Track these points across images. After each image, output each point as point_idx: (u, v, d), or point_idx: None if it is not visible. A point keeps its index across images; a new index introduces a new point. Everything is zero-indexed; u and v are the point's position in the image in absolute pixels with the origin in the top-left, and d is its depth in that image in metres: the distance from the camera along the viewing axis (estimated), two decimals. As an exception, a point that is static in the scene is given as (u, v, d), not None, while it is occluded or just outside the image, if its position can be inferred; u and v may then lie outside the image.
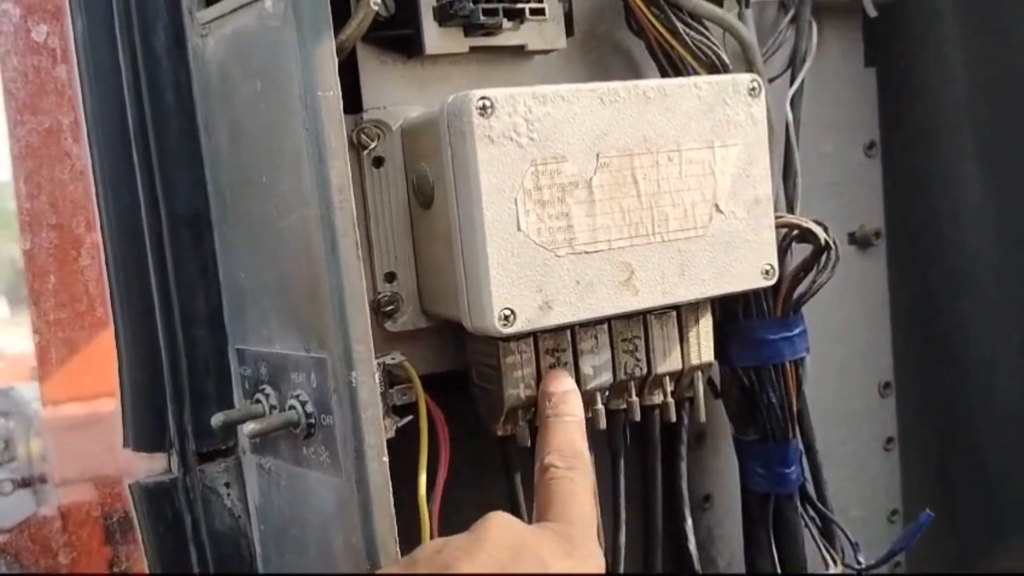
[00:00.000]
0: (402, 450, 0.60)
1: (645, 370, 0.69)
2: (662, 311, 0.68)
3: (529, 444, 0.66)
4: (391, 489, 0.56)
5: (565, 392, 0.63)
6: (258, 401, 0.63)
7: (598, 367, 0.67)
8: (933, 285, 0.93)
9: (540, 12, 0.67)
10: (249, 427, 0.59)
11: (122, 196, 0.65)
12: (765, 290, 0.72)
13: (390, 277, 0.67)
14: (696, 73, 0.70)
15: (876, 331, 0.95)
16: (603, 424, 0.68)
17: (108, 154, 0.65)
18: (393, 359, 0.63)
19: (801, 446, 0.78)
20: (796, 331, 0.75)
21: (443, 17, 0.65)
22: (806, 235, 0.72)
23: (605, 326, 0.67)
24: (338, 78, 0.54)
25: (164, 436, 0.66)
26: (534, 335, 0.64)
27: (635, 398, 0.69)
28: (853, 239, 0.93)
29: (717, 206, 0.65)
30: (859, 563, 0.80)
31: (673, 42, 0.71)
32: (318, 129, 0.54)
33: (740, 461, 0.79)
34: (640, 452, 0.76)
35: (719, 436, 0.86)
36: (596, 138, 0.61)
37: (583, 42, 0.75)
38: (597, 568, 0.55)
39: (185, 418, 0.65)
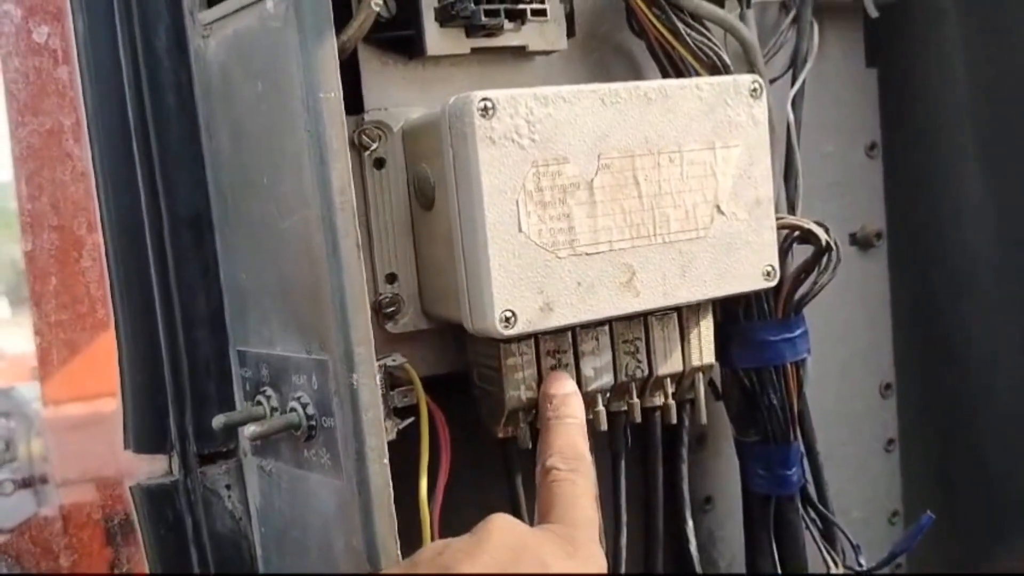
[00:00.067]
0: (403, 452, 0.60)
1: (646, 372, 0.68)
2: (663, 312, 0.68)
3: (530, 446, 0.66)
4: (392, 491, 0.56)
5: (566, 394, 0.63)
6: (259, 403, 0.63)
7: (599, 369, 0.67)
8: (934, 286, 0.93)
9: (541, 13, 0.67)
10: (250, 429, 0.59)
11: (123, 197, 0.65)
12: (766, 291, 0.71)
13: (391, 278, 0.67)
14: (697, 74, 0.70)
15: (877, 332, 0.95)
16: (604, 426, 0.68)
17: (109, 155, 0.65)
18: (394, 361, 0.63)
19: (802, 447, 0.78)
20: (797, 332, 0.74)
21: (444, 18, 0.65)
22: (807, 236, 0.72)
23: (606, 327, 0.67)
24: (340, 79, 0.54)
25: (165, 438, 0.66)
26: (535, 336, 0.64)
27: (636, 400, 0.69)
28: (854, 240, 0.93)
29: (718, 207, 0.65)
30: (860, 565, 0.80)
31: (674, 43, 0.71)
32: (319, 131, 0.54)
33: (741, 463, 0.79)
34: (641, 454, 0.76)
35: (720, 438, 0.86)
36: (597, 139, 0.61)
37: (584, 43, 0.75)
38: (599, 570, 0.55)
39: (186, 420, 0.65)
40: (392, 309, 0.66)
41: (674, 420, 0.72)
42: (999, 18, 0.84)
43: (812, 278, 0.73)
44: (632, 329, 0.68)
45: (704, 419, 0.73)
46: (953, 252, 0.91)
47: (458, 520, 0.58)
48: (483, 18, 0.64)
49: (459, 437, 0.65)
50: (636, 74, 0.77)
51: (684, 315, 0.69)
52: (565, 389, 0.64)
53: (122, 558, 0.77)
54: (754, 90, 0.66)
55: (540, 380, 0.65)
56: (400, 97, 0.67)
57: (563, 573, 0.52)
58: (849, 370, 0.94)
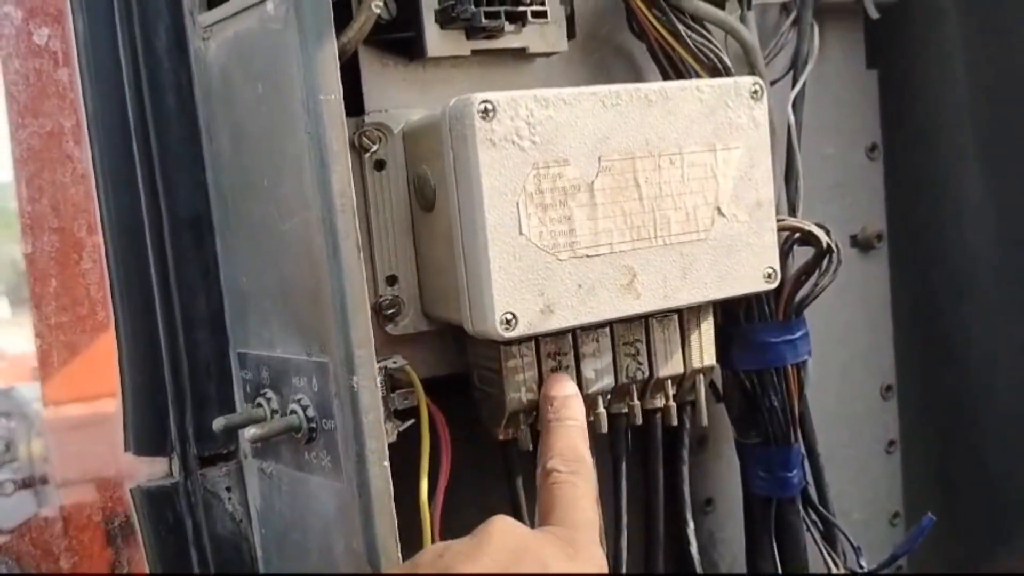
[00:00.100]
0: (404, 454, 0.60)
1: (647, 374, 0.68)
2: (664, 314, 0.68)
3: (531, 448, 0.66)
4: (392, 493, 0.56)
5: (567, 396, 0.63)
6: (259, 405, 0.63)
7: (600, 371, 0.67)
8: (935, 287, 0.93)
9: (542, 15, 0.67)
10: (250, 432, 0.59)
11: (123, 199, 0.65)
12: (767, 293, 0.71)
13: (391, 280, 0.67)
14: (698, 75, 0.70)
15: (878, 334, 0.95)
16: (605, 428, 0.68)
17: (109, 157, 0.65)
18: (395, 363, 0.63)
19: (803, 449, 0.78)
20: (798, 334, 0.74)
21: (445, 20, 0.65)
22: (808, 238, 0.72)
23: (607, 329, 0.67)
24: (340, 82, 0.54)
25: (165, 440, 0.66)
26: (536, 338, 0.64)
27: (637, 402, 0.69)
28: (855, 242, 0.93)
29: (719, 209, 0.65)
30: (861, 567, 0.80)
31: (675, 44, 0.71)
32: (320, 133, 0.54)
33: (742, 465, 0.79)
34: (642, 456, 0.76)
35: (721, 440, 0.86)
36: (598, 141, 0.61)
37: (585, 44, 0.75)
38: (600, 572, 0.55)
39: (186, 422, 0.65)
40: (392, 311, 0.66)
41: (675, 422, 0.72)
42: (999, 19, 0.84)
43: (813, 280, 0.73)
44: (633, 331, 0.68)
45: (705, 421, 0.73)
46: (954, 253, 0.91)
47: (459, 522, 0.58)
48: (483, 20, 0.64)
49: (459, 439, 0.65)
50: (637, 76, 0.77)
51: (685, 317, 0.69)
52: (566, 391, 0.64)
53: (123, 560, 0.77)
54: (755, 92, 0.66)
55: (541, 382, 0.65)
56: (400, 99, 0.67)
57: (564, 575, 0.52)
58: (850, 372, 0.94)
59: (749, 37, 0.73)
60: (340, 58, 0.55)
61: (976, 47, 0.86)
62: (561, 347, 0.65)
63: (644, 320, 0.68)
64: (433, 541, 0.61)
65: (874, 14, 0.87)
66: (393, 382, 0.63)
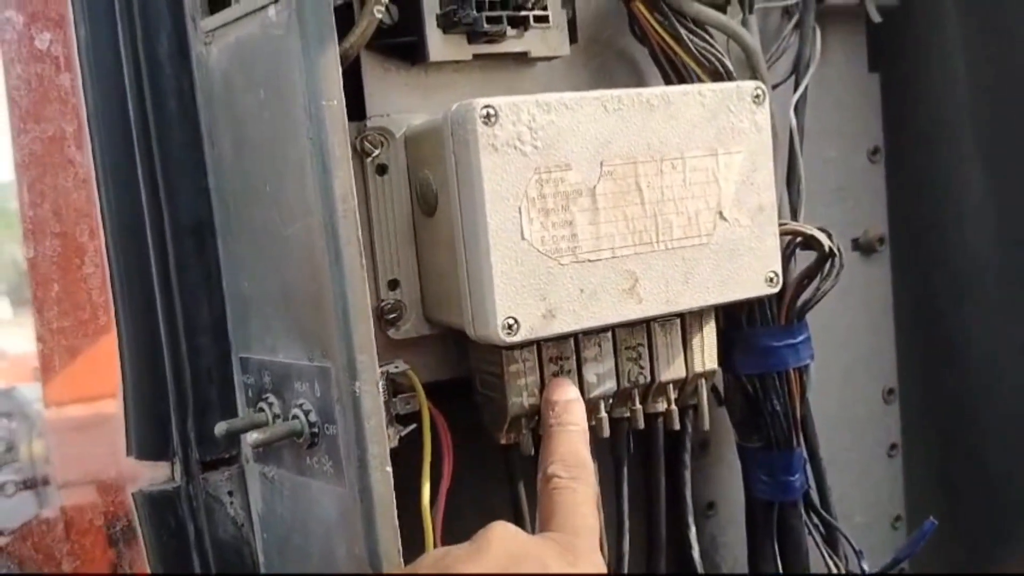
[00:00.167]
0: (405, 458, 0.60)
1: (649, 378, 0.68)
2: (666, 319, 0.68)
3: (533, 452, 0.66)
4: (394, 498, 0.56)
5: (568, 401, 0.63)
6: (261, 410, 0.63)
7: (602, 375, 0.67)
8: (937, 291, 0.93)
9: (544, 19, 0.67)
10: (252, 436, 0.59)
11: (125, 204, 0.65)
12: (769, 297, 0.71)
13: (393, 284, 0.66)
14: (700, 79, 0.70)
15: (880, 337, 0.95)
16: (607, 432, 0.68)
17: (111, 162, 0.65)
18: (396, 367, 0.63)
19: (805, 453, 0.78)
20: (800, 338, 0.74)
21: (447, 24, 0.65)
22: (810, 242, 0.72)
23: (609, 334, 0.67)
24: (342, 87, 0.54)
25: (167, 444, 0.66)
26: (537, 343, 0.64)
27: (639, 406, 0.69)
28: (857, 245, 0.93)
29: (721, 214, 0.65)
30: (863, 570, 0.79)
31: (677, 49, 0.71)
32: (322, 138, 0.54)
33: (744, 469, 0.79)
34: (644, 460, 0.76)
35: (723, 444, 0.86)
36: (600, 146, 0.61)
37: (587, 49, 0.75)
38: (600, 578, 0.55)
39: (188, 426, 0.65)
40: (394, 315, 0.66)
41: (677, 426, 0.72)
42: (1000, 22, 0.84)
43: (815, 284, 0.73)
44: (635, 335, 0.68)
45: (707, 425, 0.73)
46: (955, 256, 0.91)
47: (460, 527, 0.58)
48: (485, 25, 0.64)
49: (461, 443, 0.65)
50: (638, 80, 0.77)
51: (687, 321, 0.69)
52: (567, 396, 0.64)
53: (124, 564, 0.77)
54: (757, 96, 0.66)
55: (542, 386, 0.65)
56: (402, 103, 0.67)
57: (564, 580, 0.52)
58: (852, 375, 0.94)
59: (751, 41, 0.73)
60: (342, 63, 0.55)
61: (977, 50, 0.86)
62: (563, 351, 0.65)
63: (646, 324, 0.67)
64: (435, 546, 0.61)
65: (876, 17, 0.87)
66: (395, 386, 0.63)
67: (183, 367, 0.65)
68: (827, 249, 0.71)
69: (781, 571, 0.79)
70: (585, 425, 0.63)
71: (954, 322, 0.92)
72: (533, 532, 0.57)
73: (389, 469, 0.56)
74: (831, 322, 0.87)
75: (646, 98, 0.62)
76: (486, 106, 0.57)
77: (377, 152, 0.65)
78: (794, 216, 0.78)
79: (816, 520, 0.80)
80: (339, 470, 0.58)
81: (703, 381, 0.71)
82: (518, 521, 0.69)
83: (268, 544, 0.67)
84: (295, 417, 0.60)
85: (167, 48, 0.63)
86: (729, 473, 0.86)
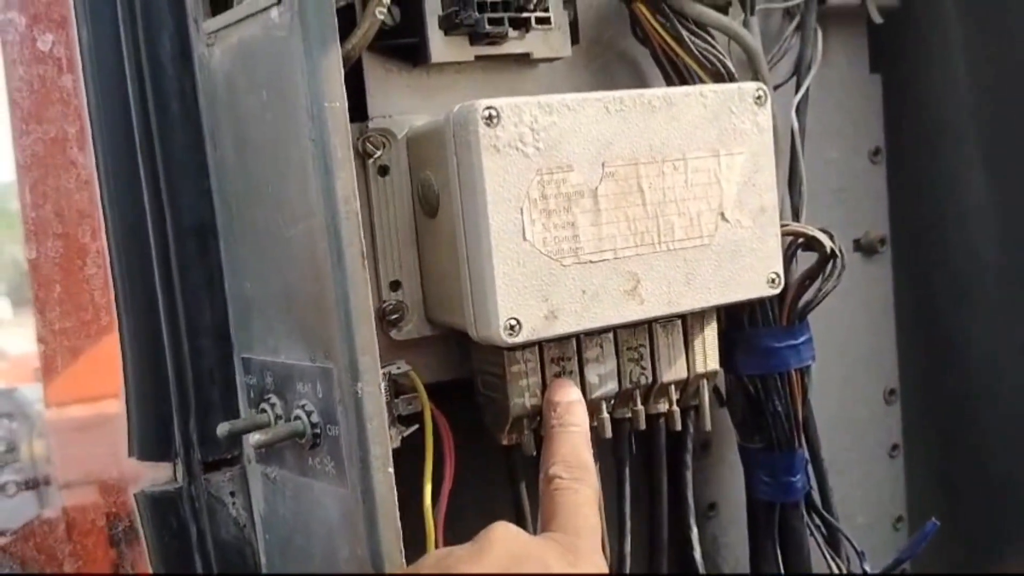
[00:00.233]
0: (407, 459, 0.60)
1: (650, 379, 0.68)
2: (667, 320, 0.68)
3: (534, 453, 0.66)
4: (396, 499, 0.56)
5: (570, 402, 0.63)
6: (263, 411, 0.63)
7: (603, 376, 0.67)
8: (938, 291, 0.93)
9: (545, 21, 0.67)
10: (254, 437, 0.59)
11: (128, 205, 0.65)
12: (770, 298, 0.71)
13: (395, 286, 0.67)
14: (701, 81, 0.70)
15: (881, 338, 0.95)
16: (608, 433, 0.68)
17: (114, 163, 0.65)
18: (399, 368, 0.63)
19: (806, 454, 0.78)
20: (802, 339, 0.74)
21: (448, 26, 0.65)
22: (811, 243, 0.72)
23: (610, 335, 0.67)
24: (344, 89, 0.54)
25: (169, 445, 0.66)
26: (539, 344, 0.64)
27: (640, 407, 0.69)
28: (858, 246, 0.93)
29: (723, 215, 0.65)
30: (864, 571, 0.80)
31: (678, 50, 0.71)
32: (324, 140, 0.54)
33: (745, 469, 0.79)
34: (645, 461, 0.76)
35: (724, 444, 0.86)
36: (602, 147, 0.61)
37: (588, 50, 0.75)
38: (602, 579, 0.55)
39: (190, 427, 0.65)
40: (396, 316, 0.66)
41: (678, 427, 0.72)
42: (1001, 23, 0.84)
43: (816, 285, 0.73)
44: (636, 336, 0.68)
45: (708, 426, 0.73)
46: (957, 257, 0.91)
47: (462, 527, 0.58)
48: (487, 26, 0.64)
49: (463, 444, 0.65)
50: (640, 81, 0.77)
51: (689, 322, 0.69)
52: (569, 397, 0.64)
53: (126, 565, 0.77)
54: (758, 97, 0.66)
55: (544, 387, 0.65)
56: (404, 104, 0.67)
57: (565, 581, 0.52)
58: (853, 376, 0.94)
59: (753, 42, 0.73)
60: (344, 64, 0.55)
61: (978, 51, 0.86)
62: (565, 352, 0.65)
63: (648, 325, 0.68)
64: (436, 546, 0.61)
65: (877, 18, 0.87)
66: (397, 387, 0.63)
67: (185, 368, 0.65)
68: (828, 250, 0.71)
69: (783, 572, 0.79)
70: (587, 426, 0.63)
71: (955, 323, 0.92)
72: (535, 533, 0.57)
73: (391, 470, 0.56)
74: (832, 323, 0.87)
75: (648, 99, 0.62)
76: (488, 107, 0.57)
77: (379, 153, 0.65)
78: (795, 217, 0.78)
79: (818, 521, 0.80)
80: (341, 471, 0.58)
81: (705, 382, 0.71)
82: (520, 522, 0.69)
83: (270, 545, 0.67)
84: (297, 418, 0.60)
85: (169, 50, 0.63)
86: (731, 474, 0.86)
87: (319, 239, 0.55)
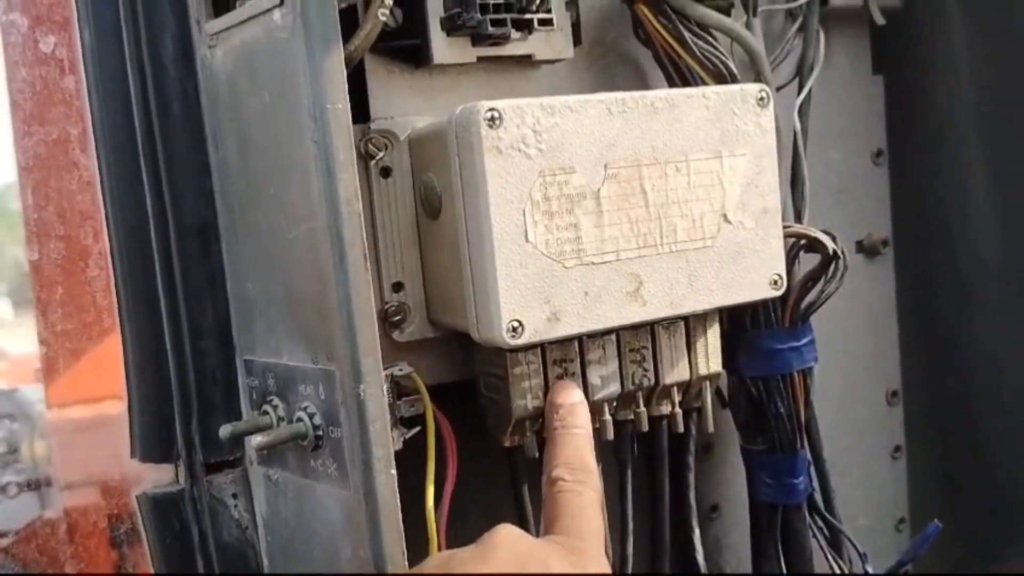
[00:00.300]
0: (410, 461, 0.60)
1: (653, 380, 0.68)
2: (670, 321, 0.68)
3: (537, 455, 0.66)
4: (399, 502, 0.56)
5: (573, 404, 0.63)
6: (266, 413, 0.63)
7: (606, 377, 0.67)
8: (941, 293, 0.93)
9: (548, 22, 0.67)
10: (257, 439, 0.59)
11: (130, 207, 0.65)
12: (773, 300, 0.71)
13: (397, 287, 0.66)
14: (704, 82, 0.70)
15: (883, 339, 0.95)
16: (611, 434, 0.68)
17: (116, 165, 0.65)
18: (401, 370, 0.63)
19: (809, 456, 0.78)
20: (804, 341, 0.74)
21: (451, 27, 0.65)
22: (814, 244, 0.72)
23: (613, 337, 0.67)
24: (347, 91, 0.54)
25: (171, 447, 0.66)
26: (542, 346, 0.64)
27: (643, 408, 0.69)
28: (860, 248, 0.93)
29: (725, 216, 0.65)
30: (867, 573, 0.79)
31: (681, 51, 0.71)
32: (326, 141, 0.54)
33: (748, 471, 0.79)
34: (648, 462, 0.76)
35: (727, 446, 0.86)
36: (604, 149, 0.61)
37: (590, 51, 0.75)
38: (605, 581, 0.55)
39: (192, 429, 0.65)
40: (398, 318, 0.66)
41: (681, 429, 0.72)
42: (1004, 24, 0.84)
43: (819, 286, 0.73)
44: (639, 338, 0.68)
45: (711, 427, 0.73)
46: (959, 258, 0.91)
47: (464, 529, 0.58)
48: (489, 27, 0.64)
49: (465, 446, 0.65)
50: (642, 83, 0.77)
51: (691, 324, 0.69)
52: (572, 399, 0.64)
53: (128, 566, 0.77)
54: (761, 99, 0.66)
55: (547, 389, 0.65)
56: (406, 106, 0.67)
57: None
58: (856, 377, 0.94)
59: (755, 44, 0.73)
60: (346, 66, 0.55)
61: (982, 52, 0.86)
62: (567, 354, 0.65)
63: (650, 327, 0.67)
64: (439, 548, 0.61)
65: (880, 20, 0.87)
66: (399, 389, 0.63)
67: (187, 369, 0.65)
68: (831, 251, 0.71)
69: (785, 574, 0.79)
70: (589, 428, 0.63)
71: (958, 324, 0.92)
72: (537, 535, 0.57)
73: (393, 472, 0.56)
74: (835, 324, 0.87)
75: (650, 101, 0.62)
76: (490, 109, 0.57)
77: (381, 155, 0.65)
78: (798, 218, 0.78)
79: (820, 522, 0.80)
80: (343, 473, 0.58)
81: (707, 384, 0.71)
82: (522, 523, 0.69)
83: (272, 547, 0.67)
84: (299, 420, 0.60)
85: (171, 51, 0.63)
86: (733, 475, 0.86)
87: (321, 241, 0.55)
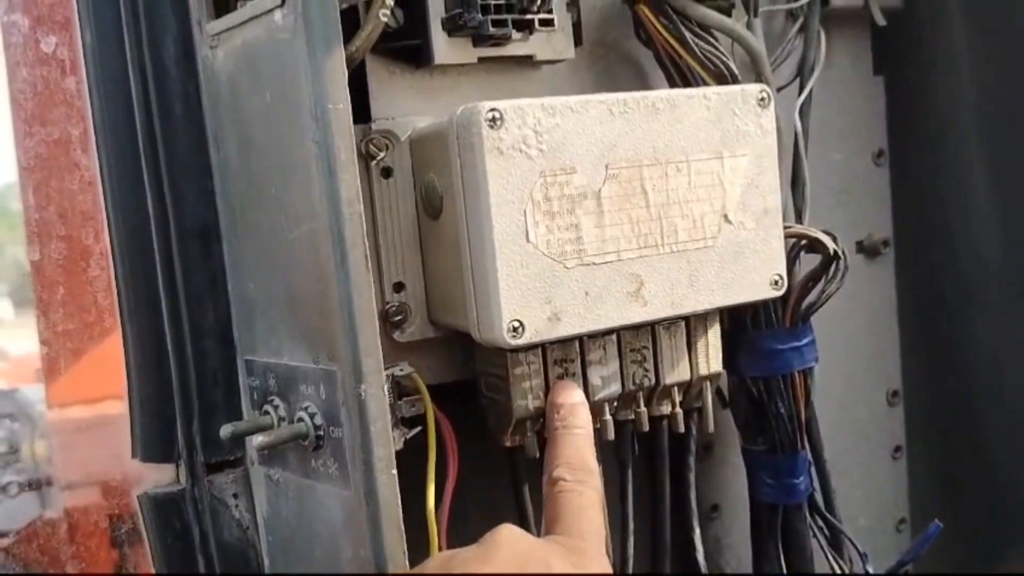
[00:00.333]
0: (410, 461, 0.60)
1: (653, 380, 0.68)
2: (671, 321, 0.68)
3: (538, 455, 0.66)
4: (400, 501, 0.56)
5: (573, 404, 0.63)
6: (267, 413, 0.63)
7: (606, 378, 0.67)
8: (941, 293, 0.93)
9: (549, 23, 0.67)
10: (258, 439, 0.59)
11: (131, 207, 0.65)
12: (774, 300, 0.71)
13: (398, 287, 0.67)
14: (704, 83, 0.70)
15: (884, 340, 0.95)
16: (611, 435, 0.68)
17: (117, 165, 0.65)
18: (402, 370, 0.63)
19: (809, 456, 0.78)
20: (805, 341, 0.74)
21: (452, 28, 0.65)
22: (815, 245, 0.72)
23: (613, 337, 0.67)
24: (348, 91, 0.54)
25: (172, 447, 0.66)
26: (542, 346, 0.64)
27: (643, 408, 0.69)
28: (861, 248, 0.93)
29: (726, 216, 0.65)
30: (867, 573, 0.79)
31: (682, 52, 0.71)
32: (328, 142, 0.54)
33: (748, 471, 0.79)
34: (648, 462, 0.76)
35: (727, 446, 0.86)
36: (605, 149, 0.61)
37: (591, 52, 0.75)
38: (606, 581, 0.55)
39: (193, 429, 0.65)
40: (399, 318, 0.66)
41: (681, 429, 0.72)
42: (1005, 24, 0.84)
43: (820, 287, 0.73)
44: (640, 338, 0.68)
45: (711, 428, 0.73)
46: (960, 259, 0.91)
47: (465, 529, 0.58)
48: (491, 28, 0.64)
49: (466, 446, 0.65)
50: (643, 83, 0.77)
51: (692, 324, 0.69)
52: (572, 399, 0.64)
53: (129, 566, 0.77)
54: (762, 99, 0.66)
55: (547, 389, 0.65)
56: (407, 106, 0.67)
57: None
58: (856, 378, 0.94)
59: (756, 44, 0.73)
60: (347, 66, 0.55)
61: (982, 53, 0.86)
62: (568, 354, 0.65)
63: (651, 327, 0.67)
64: (440, 549, 0.61)
65: (881, 20, 0.87)
66: (400, 389, 0.63)
67: (188, 370, 0.65)
68: (832, 252, 0.71)
69: (785, 574, 0.79)
70: (590, 428, 0.63)
71: (958, 324, 0.92)
72: (538, 535, 0.57)
73: (394, 472, 0.56)
74: (835, 325, 0.87)
75: (651, 101, 0.62)
76: (491, 109, 0.57)
77: (382, 155, 0.65)
78: (798, 219, 0.78)
79: (820, 523, 0.80)
80: (344, 473, 0.58)
81: (708, 384, 0.71)
82: (523, 523, 0.69)
83: (273, 547, 0.67)
84: (300, 420, 0.60)
85: (173, 52, 0.63)
86: (733, 475, 0.86)
87: (322, 241, 0.55)
